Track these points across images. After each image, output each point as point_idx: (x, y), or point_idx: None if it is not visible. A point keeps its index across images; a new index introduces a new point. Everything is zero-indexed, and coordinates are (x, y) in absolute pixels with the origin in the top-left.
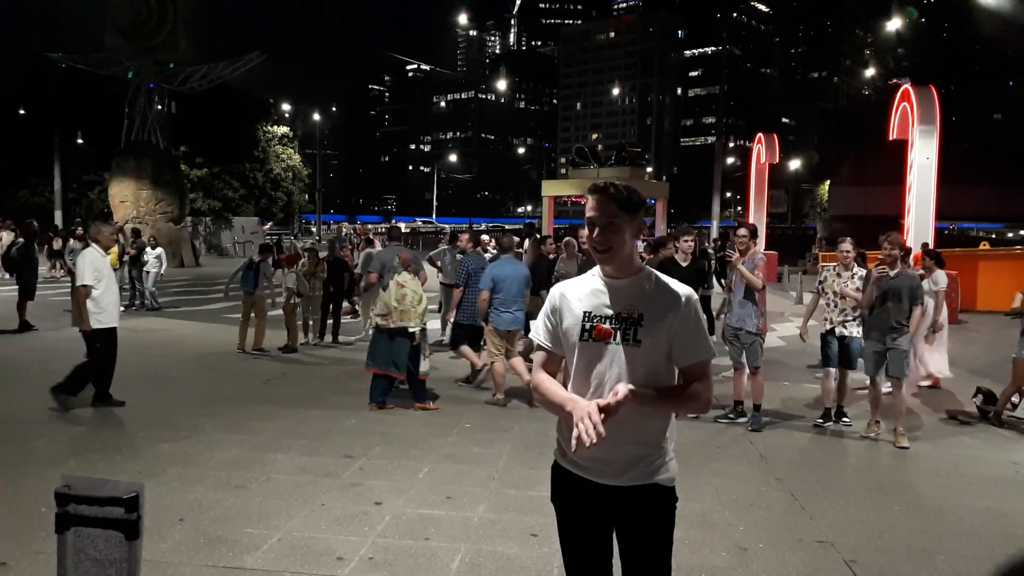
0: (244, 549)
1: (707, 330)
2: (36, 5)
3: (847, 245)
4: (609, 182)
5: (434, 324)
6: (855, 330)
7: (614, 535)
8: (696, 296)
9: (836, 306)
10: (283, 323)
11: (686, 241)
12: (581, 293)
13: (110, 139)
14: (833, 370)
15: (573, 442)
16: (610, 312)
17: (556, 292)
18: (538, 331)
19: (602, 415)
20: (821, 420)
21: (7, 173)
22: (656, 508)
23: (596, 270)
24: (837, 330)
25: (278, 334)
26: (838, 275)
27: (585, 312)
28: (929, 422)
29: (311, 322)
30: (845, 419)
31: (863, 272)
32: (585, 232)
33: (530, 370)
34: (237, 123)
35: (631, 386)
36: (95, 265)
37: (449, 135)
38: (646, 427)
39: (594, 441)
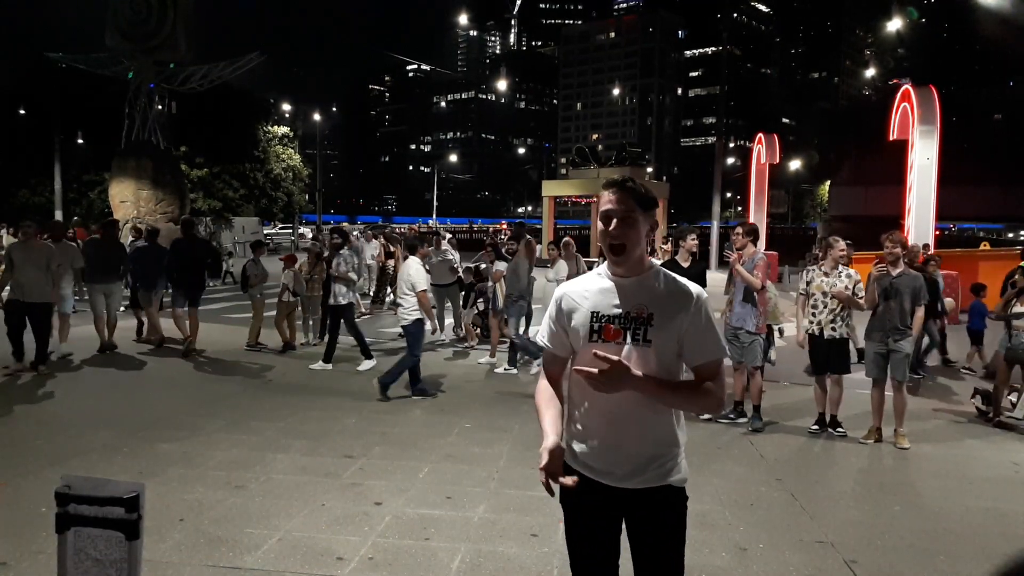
0: (244, 549)
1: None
2: (36, 5)
3: (842, 244)
4: (628, 177)
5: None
6: (845, 330)
7: (622, 536)
8: (706, 294)
9: (825, 307)
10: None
11: (691, 240)
12: (587, 292)
13: (110, 139)
14: (824, 377)
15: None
16: (619, 312)
17: (560, 293)
18: (543, 333)
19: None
20: (816, 427)
21: (7, 173)
22: (669, 510)
23: (602, 268)
24: (826, 332)
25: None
26: (825, 275)
27: (593, 312)
28: (929, 422)
29: (311, 322)
30: (840, 429)
31: (852, 272)
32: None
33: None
34: (237, 123)
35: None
36: None
37: (449, 135)
38: (659, 426)
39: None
